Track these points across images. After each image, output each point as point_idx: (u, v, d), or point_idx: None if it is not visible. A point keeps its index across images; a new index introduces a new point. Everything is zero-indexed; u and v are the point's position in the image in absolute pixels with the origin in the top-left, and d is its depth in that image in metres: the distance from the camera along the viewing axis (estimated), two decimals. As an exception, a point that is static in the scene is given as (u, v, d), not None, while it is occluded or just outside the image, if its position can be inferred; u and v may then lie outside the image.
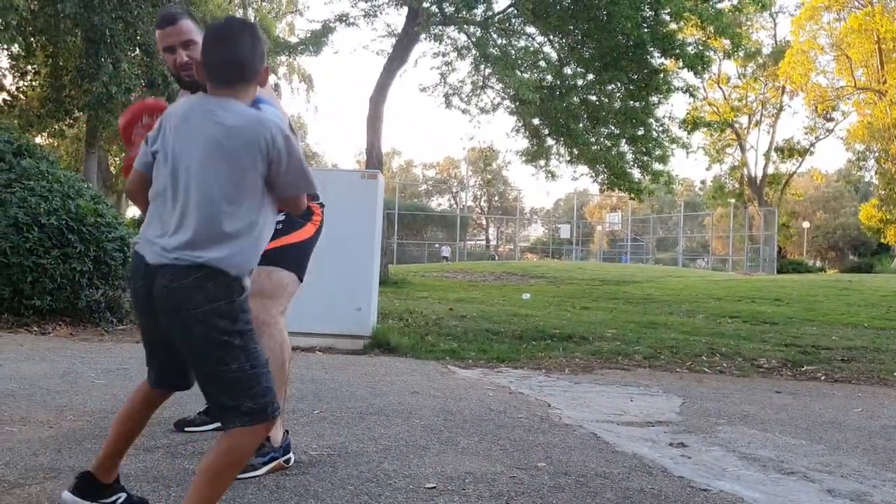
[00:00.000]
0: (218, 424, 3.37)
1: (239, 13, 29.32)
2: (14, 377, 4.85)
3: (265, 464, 3.05)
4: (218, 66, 2.27)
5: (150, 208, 2.29)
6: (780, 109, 43.03)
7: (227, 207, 2.18)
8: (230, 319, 2.16)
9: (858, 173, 56.16)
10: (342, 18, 16.87)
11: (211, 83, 2.28)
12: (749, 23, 32.56)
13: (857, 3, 34.94)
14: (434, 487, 2.98)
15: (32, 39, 16.47)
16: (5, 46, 16.43)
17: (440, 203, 70.01)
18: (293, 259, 3.37)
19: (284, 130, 2.24)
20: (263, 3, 32.87)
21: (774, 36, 43.33)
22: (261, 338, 2.93)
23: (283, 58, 24.16)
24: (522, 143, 19.60)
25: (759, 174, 43.52)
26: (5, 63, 18.27)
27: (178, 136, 2.24)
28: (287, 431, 3.24)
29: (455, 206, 66.11)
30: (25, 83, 17.75)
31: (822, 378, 6.89)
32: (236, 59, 2.27)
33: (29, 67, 17.54)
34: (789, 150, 42.78)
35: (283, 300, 3.29)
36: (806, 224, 52.08)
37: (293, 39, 18.27)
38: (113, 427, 2.46)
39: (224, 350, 2.14)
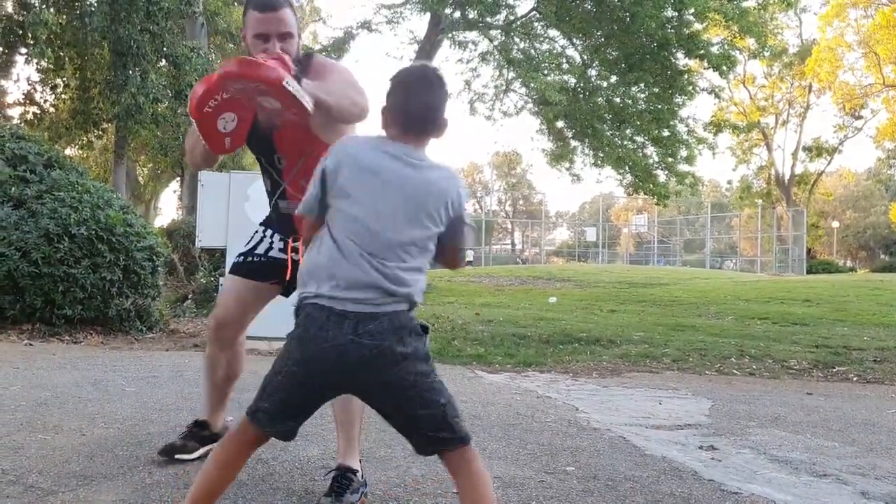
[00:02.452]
0: (206, 449, 3.23)
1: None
2: (47, 386, 4.91)
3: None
4: (419, 115, 2.18)
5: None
6: (808, 108, 42.61)
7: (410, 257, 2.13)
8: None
9: (888, 171, 55.47)
10: (364, 25, 16.94)
11: (401, 130, 2.16)
12: (774, 22, 32.28)
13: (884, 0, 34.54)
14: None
15: (61, 53, 16.70)
16: (35, 60, 16.67)
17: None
18: None
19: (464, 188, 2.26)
20: (287, 13, 33.01)
21: (800, 34, 42.98)
22: None
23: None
24: (547, 145, 19.53)
25: (787, 174, 43.11)
26: (35, 77, 18.49)
27: (369, 182, 2.11)
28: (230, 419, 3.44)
29: (480, 210, 66.07)
30: (55, 96, 17.99)
31: (854, 379, 6.80)
32: (438, 110, 2.20)
33: (58, 80, 17.78)
34: (817, 150, 42.32)
35: None
36: (835, 224, 51.47)
37: (316, 47, 18.34)
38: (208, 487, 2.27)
39: None
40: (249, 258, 3.18)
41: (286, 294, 3.19)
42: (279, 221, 3.16)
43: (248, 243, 3.22)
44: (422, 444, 2.21)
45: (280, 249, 3.15)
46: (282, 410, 2.16)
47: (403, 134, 2.16)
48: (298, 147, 2.95)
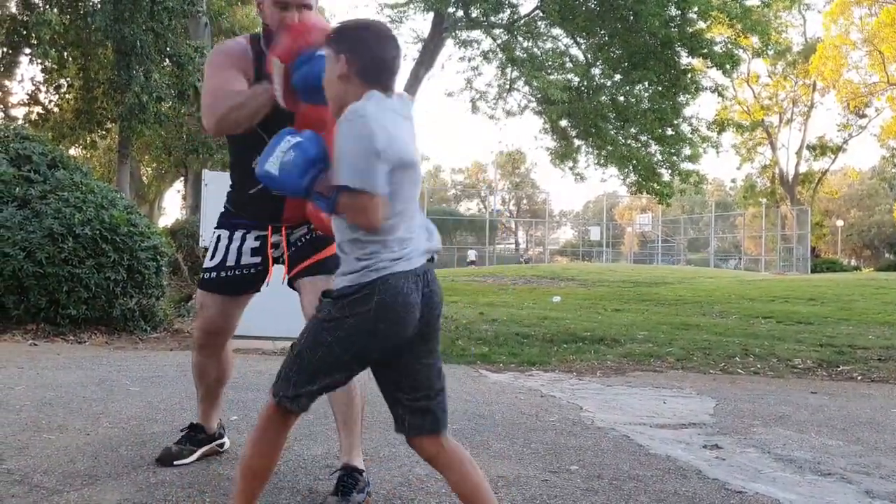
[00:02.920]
0: (203, 451, 3.26)
1: (266, 22, 29.46)
2: (52, 385, 4.92)
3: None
4: (395, 67, 2.18)
5: (396, 222, 2.09)
6: (812, 107, 42.54)
7: None
8: None
9: (893, 170, 55.32)
10: (368, 25, 16.94)
11: (386, 84, 2.13)
12: (778, 20, 32.23)
13: (888, -2, 34.46)
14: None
15: (65, 53, 16.71)
16: (39, 60, 16.69)
17: (469, 208, 70.04)
18: None
19: None
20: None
21: (804, 33, 42.86)
22: None
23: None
24: (550, 144, 19.52)
25: (791, 173, 43.03)
26: (39, 77, 18.50)
27: (406, 137, 2.11)
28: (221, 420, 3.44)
29: (484, 210, 66.07)
30: (59, 96, 18.00)
31: (859, 378, 6.79)
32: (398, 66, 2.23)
33: (62, 81, 17.79)
34: (822, 148, 42.23)
35: None
36: (840, 222, 51.37)
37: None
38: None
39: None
40: (222, 273, 3.01)
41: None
42: (255, 207, 2.95)
43: (212, 255, 3.03)
44: (418, 413, 2.22)
45: (254, 250, 2.99)
46: (328, 388, 2.25)
47: (369, 85, 2.10)
48: (320, 126, 2.69)
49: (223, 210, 3.11)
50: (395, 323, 2.06)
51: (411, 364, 2.18)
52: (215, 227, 3.07)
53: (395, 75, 2.17)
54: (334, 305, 2.10)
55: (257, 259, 2.99)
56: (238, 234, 3.00)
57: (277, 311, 7.40)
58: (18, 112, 19.69)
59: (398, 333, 2.08)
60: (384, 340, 2.09)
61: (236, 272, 3.00)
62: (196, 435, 3.29)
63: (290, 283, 3.02)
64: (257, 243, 2.98)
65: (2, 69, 18.30)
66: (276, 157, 2.11)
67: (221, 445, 3.39)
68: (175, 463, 3.14)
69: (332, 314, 2.10)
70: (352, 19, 2.26)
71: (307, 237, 2.95)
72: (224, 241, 3.01)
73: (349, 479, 2.77)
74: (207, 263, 3.04)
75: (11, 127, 9.17)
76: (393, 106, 2.11)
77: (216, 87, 2.79)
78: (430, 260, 2.17)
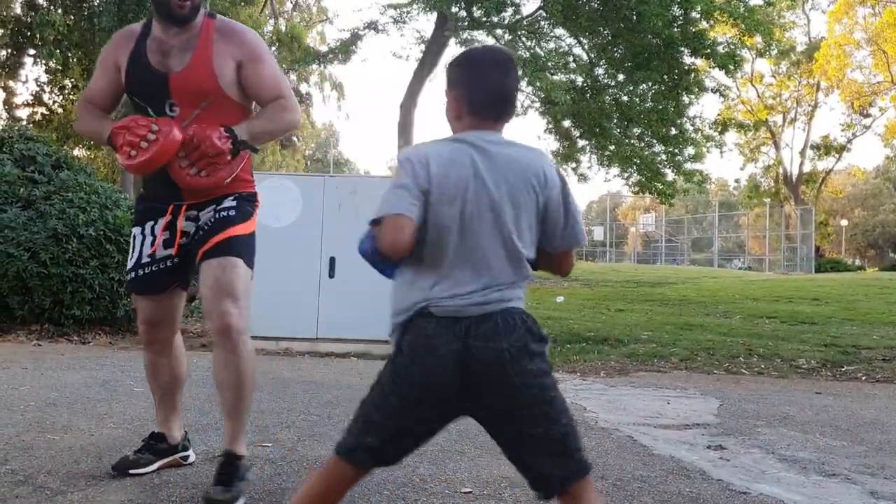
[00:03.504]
0: (164, 462, 3.06)
1: (270, 23, 29.59)
2: (56, 386, 4.93)
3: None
4: (502, 95, 2.02)
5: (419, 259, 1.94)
6: (816, 106, 42.44)
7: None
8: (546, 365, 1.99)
9: (898, 170, 55.19)
10: (371, 26, 16.96)
11: (481, 117, 1.98)
12: (781, 20, 32.18)
13: (892, -3, 34.38)
14: (470, 492, 2.98)
15: (69, 54, 16.75)
16: (43, 61, 16.74)
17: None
18: (251, 253, 2.89)
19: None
20: (294, 13, 33.13)
21: (808, 33, 42.70)
22: (236, 347, 2.72)
23: (315, 66, 24.37)
24: (553, 144, 19.51)
25: (795, 172, 42.94)
26: (43, 78, 18.54)
27: (470, 176, 1.92)
28: (186, 431, 3.26)
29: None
30: (63, 97, 18.05)
31: (863, 378, 6.78)
32: (513, 94, 2.05)
33: (66, 81, 17.84)
34: (826, 148, 42.14)
35: (249, 301, 2.84)
36: (844, 222, 51.24)
37: (324, 48, 18.36)
38: None
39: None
40: (139, 271, 2.91)
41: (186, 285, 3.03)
42: (155, 184, 2.91)
43: (130, 255, 2.95)
44: (544, 477, 2.03)
45: (165, 242, 2.88)
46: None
47: (480, 121, 1.99)
48: (201, 91, 2.80)
49: (137, 199, 3.09)
50: (420, 367, 1.89)
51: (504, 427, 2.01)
52: (133, 226, 3.00)
53: (507, 102, 2.03)
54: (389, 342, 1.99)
55: (170, 250, 2.88)
56: (148, 228, 2.90)
57: (280, 312, 7.42)
58: (22, 113, 19.72)
59: (425, 380, 1.89)
60: (417, 386, 1.90)
61: (153, 268, 2.88)
62: (157, 444, 3.10)
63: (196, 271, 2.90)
64: (167, 234, 2.87)
65: (6, 70, 18.32)
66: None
67: (185, 458, 3.18)
68: (131, 472, 2.96)
69: (393, 351, 1.97)
70: (462, 52, 2.15)
71: (213, 219, 2.84)
72: (139, 239, 2.92)
73: (230, 466, 2.72)
74: (128, 264, 2.97)
75: (16, 128, 9.19)
76: (474, 140, 1.96)
77: (88, 92, 3.02)
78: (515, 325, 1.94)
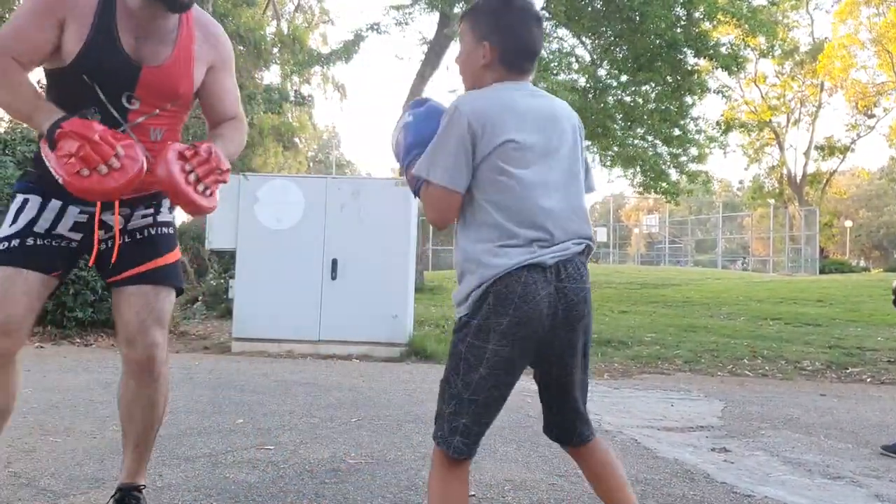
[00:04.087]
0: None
1: (273, 24, 29.58)
2: (58, 388, 4.93)
3: None
4: (538, 49, 2.01)
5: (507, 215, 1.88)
6: (820, 107, 42.38)
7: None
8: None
9: (902, 170, 55.09)
10: (374, 27, 16.96)
11: (516, 69, 1.97)
12: (785, 20, 32.16)
13: (897, -2, 34.33)
14: (473, 495, 2.97)
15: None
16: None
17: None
18: (181, 280, 2.61)
19: None
20: (297, 14, 33.16)
21: (812, 33, 42.71)
22: (157, 381, 2.45)
23: (317, 67, 24.41)
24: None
25: (799, 173, 42.88)
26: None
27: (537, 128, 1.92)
28: None
29: (490, 211, 65.97)
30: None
31: (868, 380, 6.76)
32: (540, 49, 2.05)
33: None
34: (830, 148, 42.07)
35: None
36: (848, 223, 51.16)
37: (326, 50, 18.37)
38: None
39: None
40: (28, 240, 2.30)
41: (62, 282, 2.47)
42: None
43: (12, 220, 2.33)
44: (566, 427, 2.08)
45: (76, 224, 2.37)
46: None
47: (516, 73, 1.97)
48: (173, 93, 2.39)
49: (28, 172, 2.44)
50: (521, 323, 1.85)
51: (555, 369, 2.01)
52: (18, 192, 2.38)
53: (537, 56, 2.03)
54: (462, 320, 1.93)
55: (77, 235, 2.38)
56: (54, 204, 2.34)
57: (282, 314, 7.41)
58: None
59: (526, 337, 1.87)
60: (513, 347, 1.88)
61: (46, 241, 2.32)
62: None
63: (107, 280, 2.47)
64: (83, 218, 2.37)
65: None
66: (394, 129, 2.03)
67: None
68: None
69: (462, 330, 1.93)
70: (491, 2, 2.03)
71: (150, 232, 2.45)
72: (33, 206, 2.33)
73: (130, 499, 2.53)
74: (3, 231, 2.31)
75: (18, 130, 9.19)
76: (517, 89, 1.97)
77: (11, 44, 2.23)
78: (582, 253, 1.95)
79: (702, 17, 14.84)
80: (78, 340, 7.46)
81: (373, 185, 8.47)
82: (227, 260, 11.42)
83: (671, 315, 11.60)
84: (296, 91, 22.71)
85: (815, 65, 38.09)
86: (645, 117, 16.25)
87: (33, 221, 2.32)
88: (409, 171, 1.95)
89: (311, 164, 46.97)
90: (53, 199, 2.33)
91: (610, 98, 16.62)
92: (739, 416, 4.92)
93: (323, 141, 51.67)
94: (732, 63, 14.89)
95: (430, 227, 34.63)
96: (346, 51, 17.17)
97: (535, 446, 3.83)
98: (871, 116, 40.49)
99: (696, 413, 4.98)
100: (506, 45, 1.94)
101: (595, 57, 17.04)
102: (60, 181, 2.08)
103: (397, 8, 16.81)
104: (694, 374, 6.85)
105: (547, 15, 16.55)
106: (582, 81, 16.95)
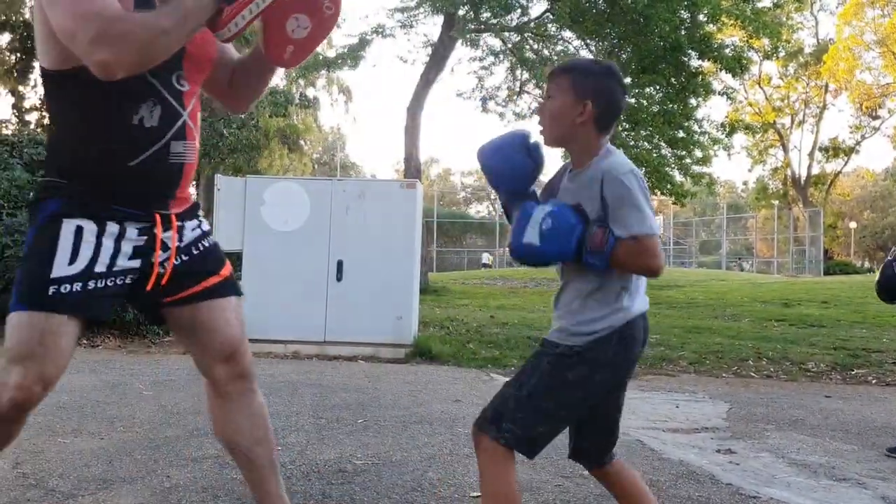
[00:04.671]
0: None
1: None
2: (65, 389, 4.94)
3: None
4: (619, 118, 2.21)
5: None
6: (824, 108, 42.33)
7: None
8: None
9: (906, 171, 54.96)
10: (378, 31, 16.97)
11: (606, 130, 2.11)
12: (790, 21, 32.12)
13: (901, -1, 34.28)
14: (479, 496, 2.98)
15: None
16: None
17: (479, 210, 70.00)
18: None
19: None
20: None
21: (816, 34, 42.60)
22: (256, 390, 2.28)
23: (323, 71, 24.47)
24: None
25: (804, 174, 42.83)
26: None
27: None
28: None
29: (494, 212, 66.03)
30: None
31: (873, 382, 6.75)
32: None
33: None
34: (834, 150, 42.03)
35: None
36: (853, 224, 51.07)
37: (331, 53, 18.35)
38: None
39: None
40: (90, 284, 1.91)
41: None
42: (140, 185, 1.97)
43: (73, 257, 1.90)
44: (601, 450, 2.28)
45: (136, 250, 1.99)
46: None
47: (601, 132, 2.10)
48: (208, 61, 2.11)
49: (61, 186, 1.96)
50: (630, 363, 2.11)
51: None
52: (64, 216, 1.92)
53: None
54: (574, 350, 2.06)
55: (136, 263, 2.00)
56: (112, 229, 1.95)
57: (288, 315, 7.43)
58: (31, 117, 19.80)
59: (626, 374, 2.14)
60: (614, 381, 2.13)
61: (109, 282, 1.95)
62: None
63: (165, 300, 2.10)
64: (141, 241, 1.99)
65: (15, 74, 18.41)
66: (534, 228, 2.07)
67: None
68: None
69: (572, 358, 2.06)
70: (591, 60, 2.27)
71: (205, 244, 2.19)
72: (89, 236, 1.92)
73: None
74: (61, 270, 1.88)
75: (25, 133, 9.23)
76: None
77: (100, 3, 1.75)
78: None
79: (706, 19, 14.85)
80: (85, 342, 7.47)
81: (378, 186, 8.49)
82: (233, 261, 11.43)
83: (676, 316, 11.60)
84: (301, 94, 22.74)
85: (820, 66, 38.04)
86: (649, 119, 16.25)
87: (94, 259, 1.93)
88: (596, 239, 2.00)
89: (316, 166, 47.00)
90: (109, 223, 1.95)
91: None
92: (744, 417, 4.92)
93: (328, 143, 51.69)
94: (736, 65, 14.89)
95: (435, 229, 34.49)
96: (353, 57, 17.17)
97: (540, 447, 3.84)
98: (876, 118, 40.43)
99: (702, 414, 4.98)
100: (603, 109, 2.07)
101: (600, 59, 17.05)
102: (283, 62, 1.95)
103: (402, 11, 16.83)
104: (699, 376, 6.85)
105: (551, 17, 16.57)
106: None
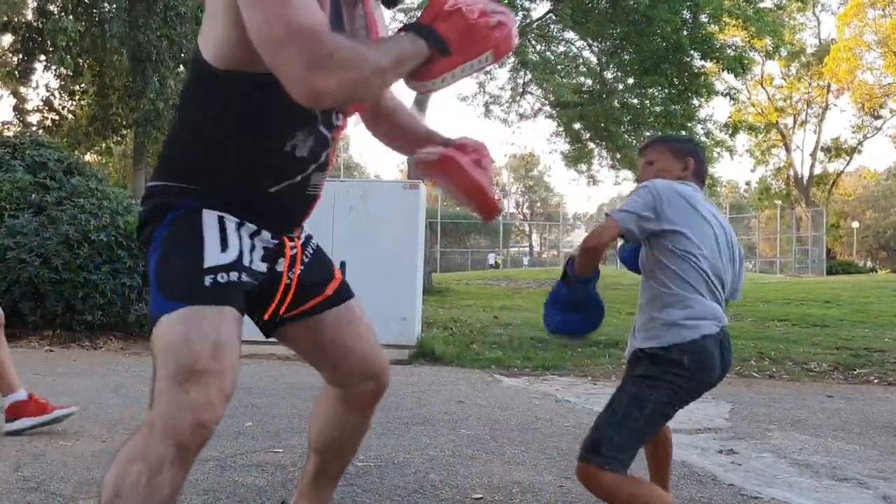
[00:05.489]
0: None
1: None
2: (67, 392, 4.95)
3: None
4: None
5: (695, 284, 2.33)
6: (826, 108, 42.31)
7: None
8: None
9: (909, 171, 54.91)
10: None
11: (701, 181, 2.59)
12: (792, 22, 32.10)
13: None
14: (481, 498, 2.98)
15: (80, 60, 16.84)
16: (54, 67, 16.83)
17: (482, 211, 70.06)
18: None
19: None
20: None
21: (818, 34, 42.68)
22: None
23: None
24: (564, 146, 19.53)
25: (806, 174, 42.82)
26: (54, 83, 18.61)
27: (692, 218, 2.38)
28: None
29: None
30: (73, 102, 18.15)
31: (876, 381, 6.74)
32: None
33: (76, 87, 17.93)
34: (836, 150, 42.02)
35: None
36: (855, 224, 51.04)
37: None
38: None
39: None
40: (243, 276, 1.74)
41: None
42: (278, 210, 1.87)
43: (224, 244, 1.73)
44: None
45: (266, 252, 1.85)
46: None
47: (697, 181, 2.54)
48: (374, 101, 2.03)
49: (184, 190, 1.79)
50: (701, 382, 2.33)
51: None
52: (201, 206, 1.76)
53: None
54: (651, 364, 2.32)
55: (264, 267, 1.86)
56: (249, 227, 1.82)
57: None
58: (33, 118, 19.82)
59: (700, 391, 2.36)
60: (691, 397, 2.35)
61: (248, 279, 1.77)
62: None
63: (283, 317, 1.98)
64: (272, 244, 1.88)
65: (17, 76, 18.43)
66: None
67: None
68: None
69: (649, 373, 2.31)
70: (683, 136, 2.65)
71: (316, 246, 2.14)
72: (232, 227, 1.77)
73: None
74: (217, 258, 1.70)
75: (27, 134, 9.24)
76: (695, 194, 2.44)
77: (317, 18, 1.50)
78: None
79: (708, 19, 14.85)
80: (87, 343, 7.48)
81: (381, 187, 8.49)
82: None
83: (678, 317, 11.56)
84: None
85: (822, 66, 38.03)
86: (651, 120, 16.25)
87: (241, 250, 1.76)
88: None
89: (318, 167, 46.87)
90: (247, 222, 1.80)
91: (616, 102, 16.63)
92: (746, 417, 4.91)
93: (330, 143, 51.67)
94: (738, 65, 14.89)
95: (438, 229, 34.47)
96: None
97: (543, 448, 3.84)
98: (878, 118, 40.42)
99: (704, 415, 4.98)
100: (699, 165, 2.56)
101: (602, 60, 17.05)
102: (486, 62, 1.67)
103: (404, 12, 16.84)
104: (701, 376, 6.84)
105: (553, 18, 16.58)
106: (589, 84, 16.96)
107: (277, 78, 1.49)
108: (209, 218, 1.73)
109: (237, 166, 1.77)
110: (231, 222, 1.76)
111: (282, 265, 1.90)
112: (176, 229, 1.73)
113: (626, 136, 16.76)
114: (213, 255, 1.69)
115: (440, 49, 1.62)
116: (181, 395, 1.55)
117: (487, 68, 1.71)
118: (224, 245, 1.72)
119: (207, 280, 1.66)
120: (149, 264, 1.77)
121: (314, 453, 2.22)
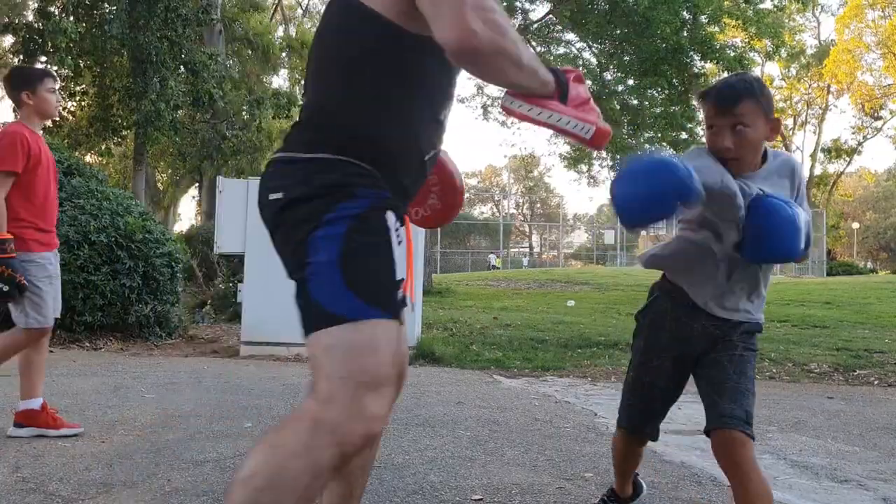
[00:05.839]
0: None
1: (280, 29, 29.61)
2: (67, 392, 4.95)
3: None
4: None
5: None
6: (826, 109, 42.33)
7: None
8: None
9: (909, 172, 54.92)
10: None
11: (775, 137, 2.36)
12: (792, 23, 32.11)
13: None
14: (481, 499, 2.98)
15: (80, 61, 16.84)
16: (55, 68, 16.83)
17: (483, 211, 70.03)
18: None
19: None
20: (304, 19, 33.23)
21: (818, 36, 42.67)
22: None
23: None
24: (564, 148, 19.54)
25: (806, 175, 42.81)
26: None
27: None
28: None
29: (498, 213, 66.06)
30: (74, 103, 18.15)
31: (876, 383, 6.74)
32: None
33: (77, 88, 17.93)
34: (836, 151, 42.03)
35: None
36: (856, 225, 51.04)
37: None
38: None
39: None
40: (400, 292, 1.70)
41: None
42: (418, 181, 1.83)
43: (396, 254, 1.65)
44: None
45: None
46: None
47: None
48: None
49: (365, 174, 1.66)
50: None
51: None
52: (384, 207, 1.66)
53: None
54: (756, 336, 2.52)
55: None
56: (393, 220, 1.68)
57: (291, 317, 7.43)
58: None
59: None
60: None
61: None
62: None
63: None
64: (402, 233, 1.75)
65: (18, 77, 18.41)
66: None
67: None
68: None
69: (755, 345, 2.53)
70: (744, 75, 2.45)
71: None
72: (394, 233, 1.67)
73: None
74: (401, 271, 1.68)
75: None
76: None
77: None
78: None
79: (707, 20, 14.86)
80: (87, 344, 7.48)
81: (379, 188, 8.48)
82: (235, 264, 11.45)
83: (678, 318, 11.56)
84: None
85: (822, 67, 38.04)
86: (651, 121, 16.25)
87: (400, 260, 1.69)
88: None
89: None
90: (391, 213, 1.67)
91: (616, 103, 16.64)
92: (747, 419, 4.91)
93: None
94: (738, 66, 14.90)
95: (438, 230, 34.48)
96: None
97: (542, 449, 3.84)
98: (878, 118, 40.42)
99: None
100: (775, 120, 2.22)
101: (601, 61, 17.06)
102: (585, 132, 1.69)
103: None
104: (701, 378, 6.84)
105: (553, 19, 16.59)
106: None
107: (431, 25, 1.49)
108: (392, 222, 1.65)
109: (404, 131, 1.71)
110: (392, 221, 1.66)
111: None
112: (363, 226, 1.61)
113: (626, 138, 16.76)
114: (400, 268, 1.65)
115: (561, 93, 1.70)
116: (358, 404, 1.52)
117: (577, 141, 1.56)
118: (398, 259, 1.67)
119: (399, 294, 1.64)
120: (317, 245, 1.62)
121: (339, 478, 2.02)
